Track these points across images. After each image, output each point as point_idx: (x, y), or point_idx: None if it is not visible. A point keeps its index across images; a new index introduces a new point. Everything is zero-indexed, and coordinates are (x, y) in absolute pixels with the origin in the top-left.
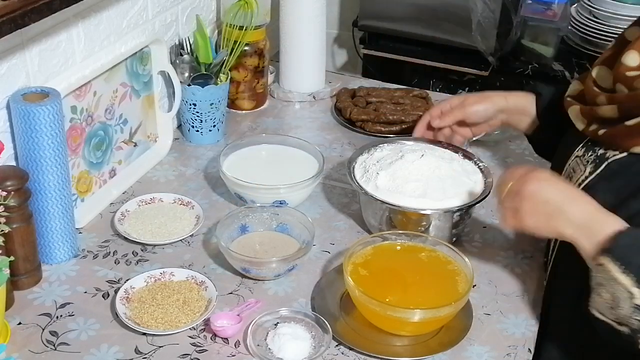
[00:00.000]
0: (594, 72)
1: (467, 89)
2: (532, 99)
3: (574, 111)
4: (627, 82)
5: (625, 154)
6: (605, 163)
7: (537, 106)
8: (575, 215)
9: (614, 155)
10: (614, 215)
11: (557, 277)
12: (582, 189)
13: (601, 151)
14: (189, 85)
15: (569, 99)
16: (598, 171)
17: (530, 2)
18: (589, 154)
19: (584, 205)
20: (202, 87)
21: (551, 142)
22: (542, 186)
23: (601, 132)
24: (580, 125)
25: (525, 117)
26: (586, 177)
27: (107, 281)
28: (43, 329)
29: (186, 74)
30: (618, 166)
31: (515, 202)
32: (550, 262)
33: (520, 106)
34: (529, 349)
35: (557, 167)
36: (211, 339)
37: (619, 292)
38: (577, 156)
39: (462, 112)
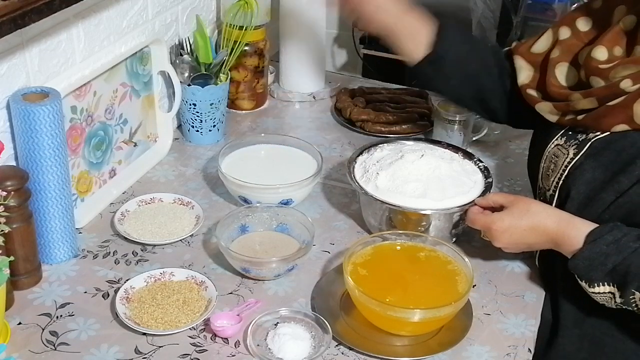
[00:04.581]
0: (559, 74)
1: None
2: (428, 29)
3: (546, 107)
4: (602, 74)
5: (607, 133)
6: (589, 143)
7: (439, 35)
8: (543, 244)
9: (596, 136)
10: (575, 229)
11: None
12: (569, 170)
13: (582, 136)
14: (189, 85)
15: (530, 92)
16: (583, 151)
17: (530, 2)
18: (572, 141)
19: (547, 234)
20: (202, 87)
21: (438, 75)
22: (507, 239)
23: (580, 117)
24: (553, 118)
25: (412, 42)
26: (572, 159)
27: (107, 281)
28: (43, 329)
29: (186, 74)
30: (602, 144)
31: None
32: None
33: (410, 29)
34: (529, 349)
35: (535, 155)
36: (211, 339)
37: (599, 299)
38: (557, 144)
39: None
